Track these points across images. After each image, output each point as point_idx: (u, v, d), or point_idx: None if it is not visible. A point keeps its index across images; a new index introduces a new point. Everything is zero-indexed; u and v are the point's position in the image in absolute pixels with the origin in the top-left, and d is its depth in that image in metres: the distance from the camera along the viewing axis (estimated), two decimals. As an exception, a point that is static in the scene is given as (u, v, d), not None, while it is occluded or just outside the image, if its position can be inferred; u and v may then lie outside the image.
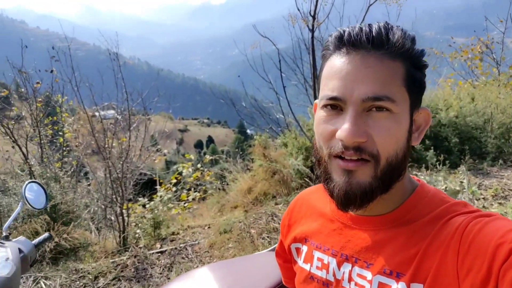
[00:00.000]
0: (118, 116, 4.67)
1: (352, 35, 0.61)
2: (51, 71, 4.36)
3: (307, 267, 0.78)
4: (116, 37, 4.05)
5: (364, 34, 0.60)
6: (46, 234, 1.37)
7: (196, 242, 3.33)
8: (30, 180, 1.36)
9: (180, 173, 6.21)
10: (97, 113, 4.61)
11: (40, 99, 4.50)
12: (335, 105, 0.62)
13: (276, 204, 3.79)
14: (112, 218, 4.29)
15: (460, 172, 3.51)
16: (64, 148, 5.02)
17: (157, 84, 5.33)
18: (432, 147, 3.81)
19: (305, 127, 4.38)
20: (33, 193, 1.35)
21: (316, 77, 4.78)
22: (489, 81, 6.02)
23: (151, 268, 2.97)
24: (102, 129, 4.13)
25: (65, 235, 3.09)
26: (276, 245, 1.00)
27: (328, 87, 0.62)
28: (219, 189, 5.23)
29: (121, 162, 3.59)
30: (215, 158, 7.83)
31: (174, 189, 5.51)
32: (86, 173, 6.05)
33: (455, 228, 0.58)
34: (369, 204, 0.63)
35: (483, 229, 0.55)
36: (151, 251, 3.22)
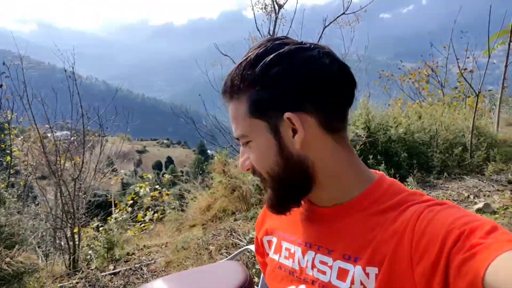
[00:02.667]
0: (71, 138, 4.47)
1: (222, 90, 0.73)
2: (0, 86, 4.14)
3: (276, 257, 0.81)
4: (72, 51, 3.92)
5: (222, 89, 0.73)
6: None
7: (152, 261, 3.22)
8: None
9: (137, 193, 6.02)
10: (49, 134, 4.39)
11: (-15, 116, 4.25)
12: None
13: (236, 220, 3.77)
14: (62, 242, 4.05)
15: (409, 184, 3.70)
16: (11, 168, 4.73)
17: (116, 104, 5.20)
18: (383, 162, 4.00)
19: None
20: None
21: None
22: (434, 102, 6.46)
23: (103, 290, 2.82)
24: (54, 148, 3.94)
25: (8, 259, 2.87)
26: (235, 253, 1.04)
27: None
28: (177, 209, 5.13)
29: (73, 181, 3.44)
30: (174, 180, 7.66)
31: (130, 209, 5.33)
32: (35, 197, 5.69)
33: (409, 216, 0.61)
34: (289, 209, 0.73)
35: (435, 217, 0.58)
36: (104, 273, 3.06)
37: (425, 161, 4.31)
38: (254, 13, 4.83)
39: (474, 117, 4.37)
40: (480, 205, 3.30)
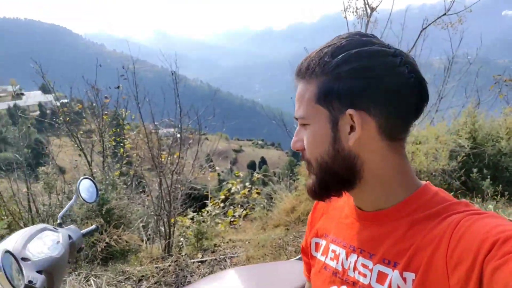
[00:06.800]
0: (177, 134, 4.98)
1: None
2: (117, 87, 4.82)
3: (323, 258, 0.86)
4: (175, 57, 4.36)
5: (297, 68, 0.75)
6: (93, 226, 1.53)
7: (235, 254, 3.41)
8: (84, 177, 1.53)
9: (229, 190, 6.38)
10: (154, 130, 4.93)
11: (106, 113, 4.97)
12: None
13: (318, 225, 3.75)
14: (162, 228, 4.54)
15: (520, 205, 3.24)
16: (123, 159, 5.44)
17: (215, 104, 5.60)
18: (489, 177, 3.56)
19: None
20: (86, 188, 1.52)
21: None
22: None
23: (191, 276, 3.09)
24: (158, 143, 4.43)
25: (115, 237, 3.33)
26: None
27: None
28: (264, 207, 5.29)
29: (171, 173, 3.82)
30: (264, 179, 7.88)
31: (222, 205, 5.69)
32: (143, 186, 6.44)
33: (448, 224, 0.61)
34: (328, 197, 0.76)
35: (472, 226, 0.58)
36: (192, 260, 3.35)
37: (544, 180, 3.72)
38: (345, 17, 4.72)
39: None
40: None
